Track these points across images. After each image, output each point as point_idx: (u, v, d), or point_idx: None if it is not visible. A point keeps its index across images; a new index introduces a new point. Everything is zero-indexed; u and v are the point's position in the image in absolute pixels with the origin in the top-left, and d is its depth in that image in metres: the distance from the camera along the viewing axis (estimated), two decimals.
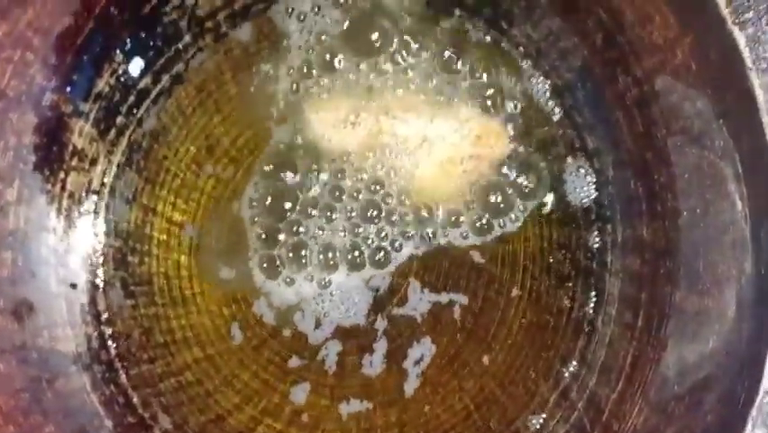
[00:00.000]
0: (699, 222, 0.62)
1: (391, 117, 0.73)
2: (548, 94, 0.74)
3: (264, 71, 0.75)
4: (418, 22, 0.74)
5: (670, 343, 0.63)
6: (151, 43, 0.74)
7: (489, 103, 0.73)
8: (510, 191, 0.74)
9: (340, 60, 0.74)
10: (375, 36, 0.73)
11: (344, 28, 0.74)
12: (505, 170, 0.73)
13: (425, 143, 0.73)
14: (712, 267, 0.60)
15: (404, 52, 0.73)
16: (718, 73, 0.58)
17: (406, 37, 0.73)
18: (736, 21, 0.55)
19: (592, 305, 0.73)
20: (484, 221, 0.74)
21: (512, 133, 0.74)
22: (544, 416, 0.73)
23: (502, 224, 0.74)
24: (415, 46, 0.73)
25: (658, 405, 0.62)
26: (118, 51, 0.73)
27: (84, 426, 0.71)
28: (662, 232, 0.66)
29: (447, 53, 0.73)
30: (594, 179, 0.73)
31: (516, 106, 0.74)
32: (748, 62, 0.55)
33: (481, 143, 0.73)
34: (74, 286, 0.74)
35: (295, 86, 0.74)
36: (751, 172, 0.56)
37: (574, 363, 0.73)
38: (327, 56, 0.74)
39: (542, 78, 0.74)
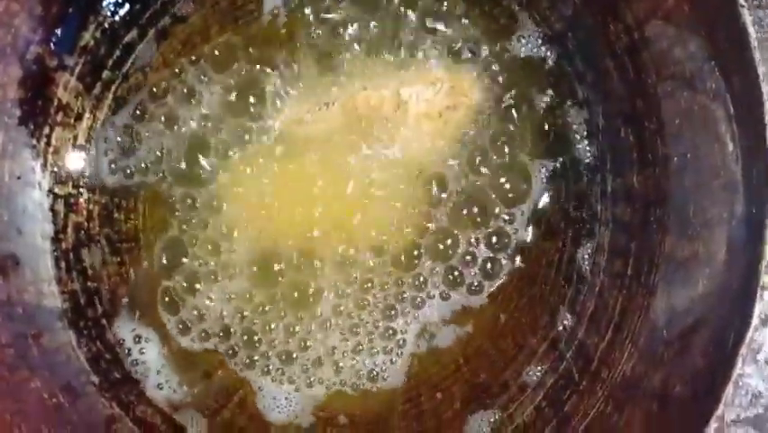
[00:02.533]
0: (689, 167, 0.61)
1: (362, 89, 0.72)
2: (539, 42, 0.73)
3: None
4: None
5: (659, 290, 0.62)
6: None
7: (461, 54, 0.73)
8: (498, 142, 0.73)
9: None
10: None
11: None
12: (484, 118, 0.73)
13: (400, 107, 0.72)
14: (703, 211, 0.59)
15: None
16: (711, 12, 0.57)
17: None
18: None
19: (581, 256, 0.72)
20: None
21: (487, 81, 0.73)
22: (532, 367, 0.72)
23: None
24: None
25: (647, 351, 0.61)
26: (104, 4, 0.73)
27: (70, 382, 0.71)
28: (652, 179, 0.65)
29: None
30: (584, 129, 0.72)
31: (496, 55, 0.73)
32: None
33: (455, 93, 0.72)
34: (60, 242, 0.73)
35: None
36: (742, 112, 0.55)
37: (563, 313, 0.72)
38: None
39: (532, 26, 0.73)
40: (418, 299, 0.73)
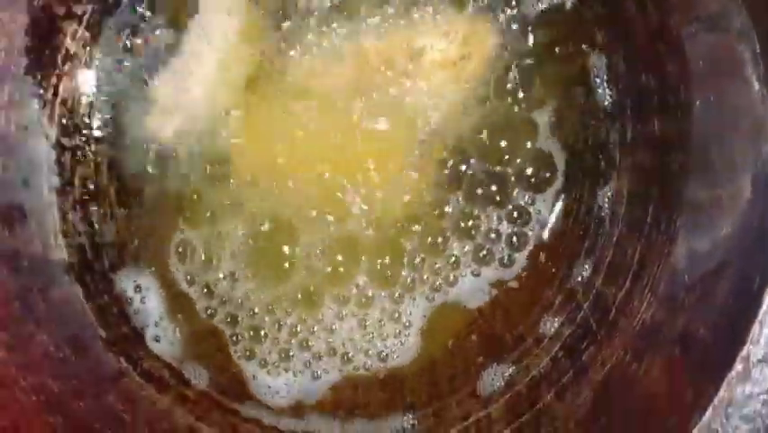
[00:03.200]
0: (713, 110, 0.59)
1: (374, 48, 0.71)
2: None
3: None
4: None
5: (680, 235, 0.61)
6: None
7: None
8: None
9: None
10: None
11: None
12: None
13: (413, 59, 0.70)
14: (727, 154, 0.57)
15: None
16: None
17: None
18: None
19: (599, 204, 0.70)
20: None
21: (504, 27, 0.71)
22: (549, 318, 0.70)
23: None
24: None
25: (668, 298, 0.60)
26: None
27: (77, 335, 0.70)
28: (674, 124, 0.63)
29: None
30: (604, 75, 0.70)
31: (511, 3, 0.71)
32: None
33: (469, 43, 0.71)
34: (67, 194, 0.72)
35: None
36: None
37: (581, 264, 0.70)
38: None
39: None
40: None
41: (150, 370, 0.71)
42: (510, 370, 0.71)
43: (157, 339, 0.72)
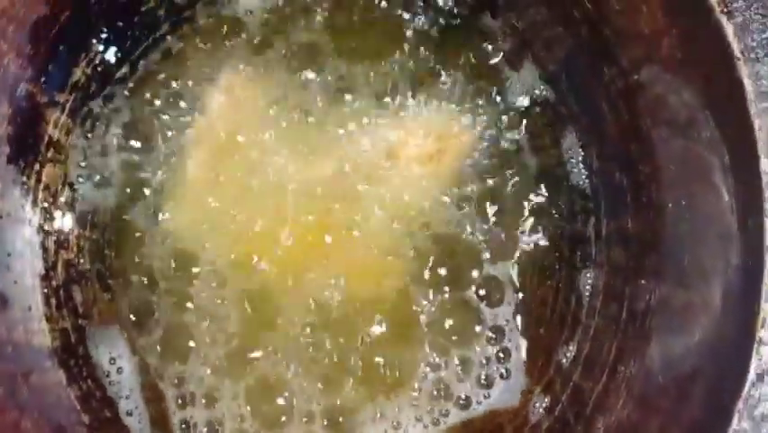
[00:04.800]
0: (684, 214, 0.61)
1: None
2: (533, 85, 0.73)
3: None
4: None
5: (654, 336, 0.62)
6: (129, 32, 0.73)
7: (452, 99, 0.73)
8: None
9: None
10: None
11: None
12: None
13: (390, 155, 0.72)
14: (698, 260, 0.59)
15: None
16: (706, 63, 0.57)
17: None
18: (725, 10, 0.54)
19: (576, 297, 0.72)
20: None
21: (479, 129, 0.73)
22: (528, 408, 0.72)
23: None
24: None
25: (643, 398, 0.61)
26: (95, 41, 0.72)
27: (60, 421, 0.70)
28: (647, 224, 0.65)
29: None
30: (579, 172, 0.72)
31: (488, 100, 0.73)
32: (736, 52, 0.54)
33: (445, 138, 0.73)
34: (50, 279, 0.72)
35: None
36: (738, 163, 0.55)
37: (558, 356, 0.72)
38: None
39: (527, 66, 0.73)
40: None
41: None
42: None
43: (129, 414, 0.72)
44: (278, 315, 0.72)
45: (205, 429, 0.72)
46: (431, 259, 0.72)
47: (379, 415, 0.71)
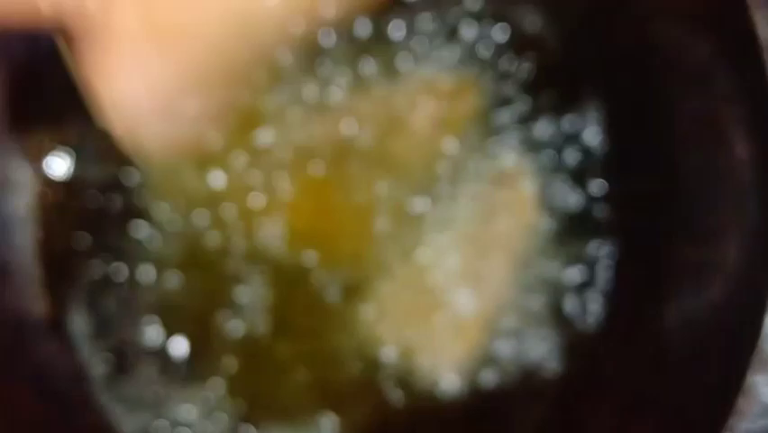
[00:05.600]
0: (699, 171, 0.60)
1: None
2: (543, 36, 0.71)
3: None
4: None
5: (670, 297, 0.61)
6: None
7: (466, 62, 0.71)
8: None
9: None
10: None
11: None
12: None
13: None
14: (714, 216, 0.58)
15: None
16: (720, 12, 0.55)
17: None
18: None
19: (586, 262, 0.70)
20: None
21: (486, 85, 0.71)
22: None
23: None
24: None
25: (660, 362, 0.60)
26: None
27: (62, 393, 0.69)
28: (661, 183, 0.64)
29: None
30: (591, 132, 0.70)
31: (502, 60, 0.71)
32: None
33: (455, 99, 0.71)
34: (51, 247, 0.71)
35: None
36: (754, 114, 0.54)
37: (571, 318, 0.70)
38: None
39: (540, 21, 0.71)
40: None
41: None
42: None
43: None
44: None
45: None
46: None
47: None
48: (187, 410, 0.70)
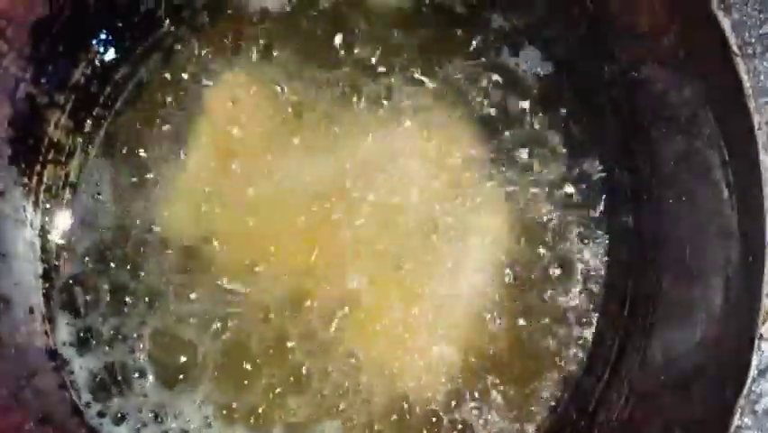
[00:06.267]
0: (684, 210, 0.61)
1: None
2: (531, 82, 0.73)
3: None
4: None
5: (656, 332, 0.63)
6: (128, 33, 0.73)
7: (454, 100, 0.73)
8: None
9: None
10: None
11: None
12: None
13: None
14: (699, 256, 0.59)
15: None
16: (705, 59, 0.57)
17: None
18: (722, 6, 0.54)
19: (577, 294, 0.72)
20: None
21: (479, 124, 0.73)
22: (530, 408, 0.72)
23: None
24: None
25: (645, 395, 0.61)
26: (94, 42, 0.72)
27: (63, 422, 0.70)
28: (647, 220, 0.65)
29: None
30: (579, 170, 0.72)
31: (490, 103, 0.73)
32: (734, 47, 0.54)
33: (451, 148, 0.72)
34: (51, 281, 0.72)
35: None
36: (738, 159, 0.56)
37: (560, 353, 0.72)
38: None
39: (527, 65, 0.73)
40: None
41: None
42: None
43: None
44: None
45: None
46: None
47: None
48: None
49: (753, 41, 0.54)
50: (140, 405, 0.72)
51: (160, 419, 0.71)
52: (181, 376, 0.72)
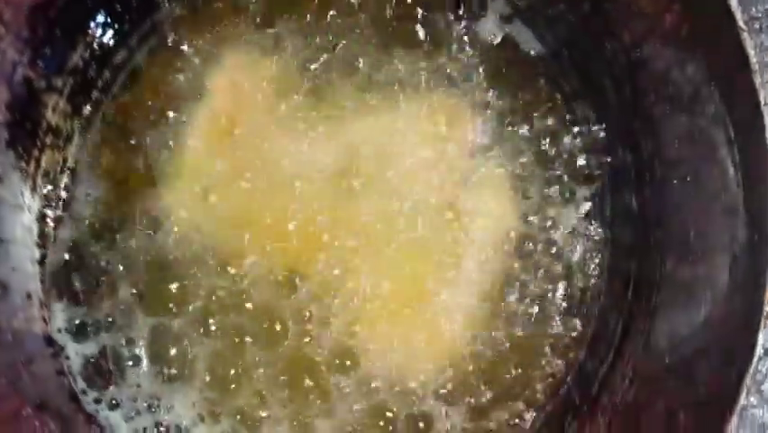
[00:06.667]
0: (689, 190, 0.61)
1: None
2: (534, 62, 0.72)
3: None
4: None
5: (660, 313, 0.62)
6: (126, 16, 0.72)
7: (457, 82, 0.72)
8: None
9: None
10: None
11: None
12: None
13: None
14: (703, 235, 0.59)
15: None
16: (709, 36, 0.56)
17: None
18: None
19: (581, 277, 0.71)
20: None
21: (481, 107, 0.72)
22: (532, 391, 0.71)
23: None
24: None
25: (649, 377, 0.60)
26: (92, 24, 0.72)
27: (60, 408, 0.69)
28: (651, 201, 0.65)
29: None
30: (581, 149, 0.71)
31: (493, 79, 0.72)
32: (740, 23, 0.53)
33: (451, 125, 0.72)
34: (49, 266, 0.71)
35: None
36: (744, 137, 0.55)
37: (564, 337, 0.71)
38: None
39: (529, 45, 0.72)
40: None
41: None
42: None
43: None
44: None
45: None
46: None
47: None
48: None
49: (759, 15, 0.53)
50: (134, 394, 0.71)
51: (153, 409, 0.71)
52: (174, 369, 0.71)
